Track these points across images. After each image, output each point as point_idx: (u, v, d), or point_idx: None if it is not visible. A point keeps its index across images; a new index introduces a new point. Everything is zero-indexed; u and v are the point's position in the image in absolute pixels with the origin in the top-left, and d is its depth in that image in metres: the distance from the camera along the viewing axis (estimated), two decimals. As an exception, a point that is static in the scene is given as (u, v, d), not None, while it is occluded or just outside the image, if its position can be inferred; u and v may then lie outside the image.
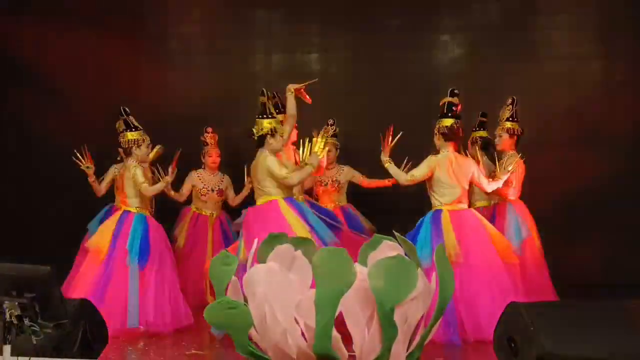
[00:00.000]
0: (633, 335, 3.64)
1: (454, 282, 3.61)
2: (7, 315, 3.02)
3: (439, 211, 5.80)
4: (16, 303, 3.05)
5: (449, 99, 5.94)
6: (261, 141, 5.73)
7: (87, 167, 6.70)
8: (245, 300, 3.59)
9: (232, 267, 3.64)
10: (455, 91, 5.99)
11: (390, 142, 5.85)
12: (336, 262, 3.41)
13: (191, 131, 7.32)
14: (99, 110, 7.51)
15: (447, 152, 5.85)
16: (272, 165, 5.60)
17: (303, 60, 8.03)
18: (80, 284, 5.82)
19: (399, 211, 6.85)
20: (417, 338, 3.60)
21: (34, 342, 3.07)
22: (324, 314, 3.36)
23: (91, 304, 4.03)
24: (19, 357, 3.27)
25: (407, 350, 3.55)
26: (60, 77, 7.96)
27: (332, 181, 6.96)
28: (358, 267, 3.53)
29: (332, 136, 6.92)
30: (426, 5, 7.94)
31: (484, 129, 6.89)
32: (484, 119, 6.95)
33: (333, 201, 6.95)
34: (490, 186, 6.01)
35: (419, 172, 5.83)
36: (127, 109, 6.29)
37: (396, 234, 3.96)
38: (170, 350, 5.25)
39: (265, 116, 5.78)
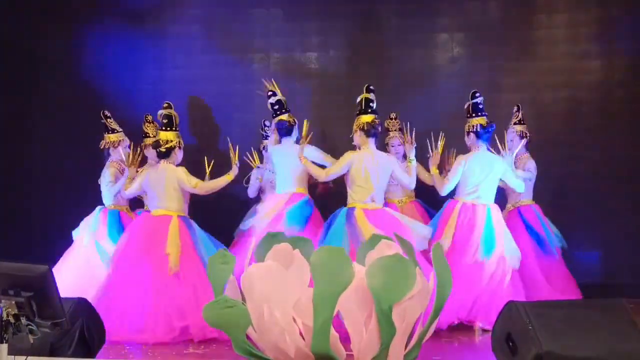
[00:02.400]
0: (631, 335, 3.63)
1: (452, 281, 3.61)
2: (4, 314, 3.02)
3: (352, 209, 5.74)
4: (13, 302, 3.04)
5: (366, 95, 5.89)
6: (168, 153, 5.86)
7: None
8: (244, 299, 3.58)
9: (230, 266, 3.64)
10: (371, 87, 5.94)
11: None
12: (334, 261, 3.41)
13: (190, 129, 7.32)
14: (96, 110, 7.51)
15: (367, 148, 5.79)
16: (181, 176, 5.78)
17: (302, 60, 8.02)
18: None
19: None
20: (415, 337, 3.60)
21: (31, 342, 3.06)
22: (322, 313, 3.36)
23: (88, 303, 4.02)
24: (16, 357, 3.27)
25: (405, 349, 3.55)
26: (59, 76, 7.96)
27: None
28: (356, 266, 3.52)
29: (397, 130, 6.83)
30: (425, 4, 7.93)
31: (522, 123, 6.80)
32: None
33: (406, 195, 6.79)
34: (411, 183, 5.91)
35: (334, 168, 5.83)
36: (107, 113, 6.64)
37: (395, 233, 3.96)
38: (169, 349, 5.24)
39: (171, 129, 5.94)
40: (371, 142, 5.84)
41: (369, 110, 5.88)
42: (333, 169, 5.86)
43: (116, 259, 5.77)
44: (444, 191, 6.01)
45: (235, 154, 6.02)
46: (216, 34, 8.02)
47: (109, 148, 6.62)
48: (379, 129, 5.91)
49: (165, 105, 6.17)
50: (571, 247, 7.01)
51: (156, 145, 6.01)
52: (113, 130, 6.63)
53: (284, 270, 3.55)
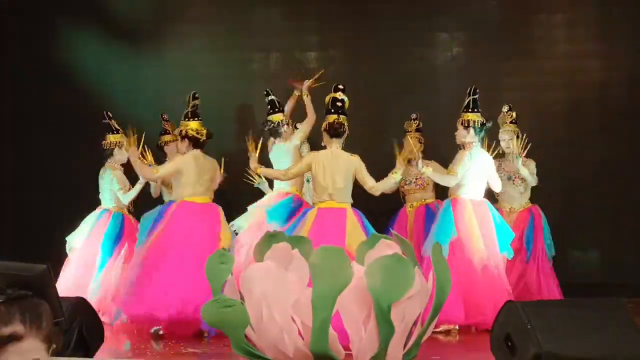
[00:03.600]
0: (631, 334, 3.63)
1: (451, 280, 3.61)
2: (2, 314, 3.01)
3: (311, 208, 5.74)
4: (11, 301, 3.03)
5: (333, 94, 5.83)
6: (204, 142, 6.00)
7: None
8: (242, 298, 3.58)
9: (228, 266, 3.63)
10: (340, 86, 5.85)
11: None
12: (333, 261, 3.40)
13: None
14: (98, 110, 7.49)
15: (330, 149, 5.69)
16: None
17: (301, 59, 8.02)
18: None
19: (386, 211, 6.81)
20: (414, 336, 3.60)
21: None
22: (321, 312, 3.36)
23: (87, 302, 4.02)
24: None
25: (404, 349, 3.55)
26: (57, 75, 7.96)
27: (416, 179, 6.77)
28: (355, 265, 3.52)
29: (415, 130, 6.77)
30: (425, 4, 7.94)
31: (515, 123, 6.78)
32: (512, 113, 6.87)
33: (421, 199, 6.74)
34: (376, 187, 5.65)
35: (294, 169, 5.85)
36: (109, 113, 6.59)
37: (393, 232, 3.95)
38: (168, 348, 5.23)
39: (199, 118, 6.05)
40: (335, 142, 5.71)
41: (332, 110, 5.74)
42: (292, 170, 5.89)
43: (156, 245, 5.71)
44: (452, 183, 5.95)
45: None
46: (216, 33, 8.02)
47: (113, 148, 6.56)
48: (342, 129, 5.70)
49: (195, 94, 6.14)
50: (570, 247, 7.01)
51: (193, 134, 5.99)
52: (118, 131, 6.58)
53: (282, 270, 3.55)
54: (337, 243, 5.17)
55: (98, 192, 6.65)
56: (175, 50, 8.02)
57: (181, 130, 6.04)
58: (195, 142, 5.99)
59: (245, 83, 7.96)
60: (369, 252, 3.72)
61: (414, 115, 6.81)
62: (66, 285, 6.02)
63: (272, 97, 6.58)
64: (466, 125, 6.02)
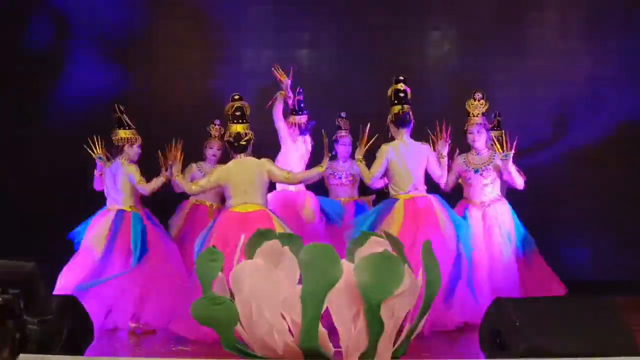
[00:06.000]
0: (618, 331, 3.65)
1: (441, 277, 3.62)
2: (-9, 311, 3.01)
3: (393, 200, 5.79)
4: (0, 299, 3.03)
5: (395, 86, 5.90)
6: (246, 146, 5.70)
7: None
8: (232, 296, 3.58)
9: (218, 263, 3.64)
10: (400, 77, 5.94)
11: (366, 141, 5.84)
12: (323, 258, 3.42)
13: (178, 126, 7.28)
14: (91, 108, 7.49)
15: (401, 139, 5.83)
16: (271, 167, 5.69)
17: (292, 56, 8.00)
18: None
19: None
20: (404, 333, 3.61)
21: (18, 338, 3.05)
22: (310, 309, 3.37)
23: (76, 300, 4.01)
24: (4, 354, 3.25)
25: (394, 346, 3.56)
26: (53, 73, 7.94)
27: (347, 175, 6.89)
28: (345, 263, 3.53)
29: (347, 130, 6.86)
30: (417, 1, 7.94)
31: (499, 129, 6.77)
32: (499, 119, 6.89)
33: (348, 195, 6.87)
34: (442, 177, 5.92)
35: (375, 168, 5.79)
36: (121, 107, 6.19)
37: (384, 230, 3.96)
38: (159, 346, 5.24)
39: (245, 121, 5.77)
40: (404, 132, 5.85)
41: (396, 101, 5.88)
42: (374, 169, 5.82)
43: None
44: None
45: (325, 146, 5.73)
46: (205, 31, 8.00)
47: (123, 145, 6.11)
48: (409, 118, 5.85)
49: (237, 97, 5.84)
50: (559, 245, 7.03)
51: (237, 138, 5.68)
52: (129, 126, 6.15)
53: (272, 268, 3.56)
54: (433, 232, 5.49)
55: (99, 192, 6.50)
56: (166, 47, 7.99)
57: (223, 134, 5.81)
58: (234, 148, 5.70)
59: (235, 81, 7.95)
60: (359, 249, 3.73)
61: (343, 114, 6.85)
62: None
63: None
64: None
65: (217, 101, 7.83)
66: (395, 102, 5.87)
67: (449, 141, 6.00)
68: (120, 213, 6.03)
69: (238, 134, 5.67)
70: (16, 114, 7.87)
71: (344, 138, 6.83)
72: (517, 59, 7.79)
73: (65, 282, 5.77)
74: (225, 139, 5.78)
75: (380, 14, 7.93)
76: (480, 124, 6.17)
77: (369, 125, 5.84)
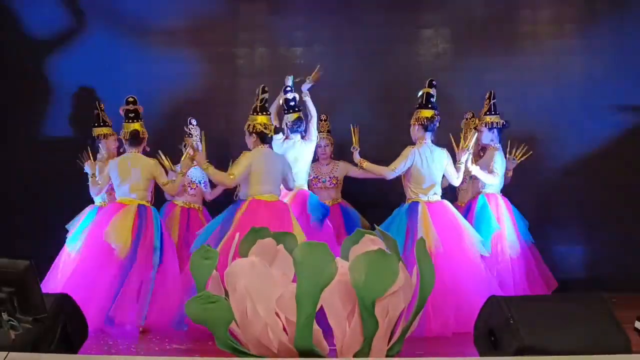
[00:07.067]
0: (611, 328, 3.66)
1: (435, 276, 3.62)
2: (-15, 310, 3.00)
3: (415, 203, 5.84)
4: (-6, 297, 3.02)
5: (427, 89, 5.96)
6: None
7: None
8: (227, 294, 3.58)
9: (212, 262, 3.64)
10: (434, 82, 6.03)
11: (356, 141, 5.97)
12: (317, 256, 3.42)
13: (174, 124, 7.28)
14: (85, 103, 7.48)
15: (425, 142, 5.89)
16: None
17: (287, 54, 8.01)
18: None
19: (390, 204, 6.81)
20: (398, 332, 3.62)
21: (12, 337, 3.05)
22: (305, 308, 3.37)
23: (71, 298, 4.00)
24: (-3, 352, 3.25)
25: (388, 344, 3.56)
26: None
27: (330, 177, 6.88)
28: (339, 261, 3.53)
29: (326, 132, 6.96)
30: (410, 0, 7.95)
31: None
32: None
33: (332, 198, 6.87)
34: (459, 179, 6.03)
35: (399, 164, 5.85)
36: (101, 104, 6.46)
37: (377, 228, 3.97)
38: (152, 344, 5.23)
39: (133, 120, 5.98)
40: (428, 135, 5.90)
41: (429, 105, 5.93)
42: (397, 166, 5.88)
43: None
44: (496, 181, 6.38)
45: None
46: (200, 28, 7.99)
47: (100, 140, 6.47)
48: (437, 123, 5.94)
49: (131, 99, 6.06)
50: (555, 243, 7.04)
51: (261, 129, 5.76)
52: (105, 123, 6.50)
53: (267, 266, 3.56)
54: (456, 234, 5.69)
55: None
56: (159, 45, 7.97)
57: (249, 125, 5.82)
58: (262, 137, 5.77)
59: (229, 78, 7.95)
60: (353, 247, 3.73)
61: (323, 117, 6.94)
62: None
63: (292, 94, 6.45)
64: (490, 127, 6.43)
65: (211, 98, 7.87)
66: (429, 106, 5.93)
67: (471, 151, 6.09)
68: (142, 208, 5.95)
69: (266, 124, 5.80)
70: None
71: (323, 140, 6.84)
72: (512, 58, 7.80)
73: (82, 270, 5.70)
74: (252, 130, 5.78)
75: (375, 13, 7.94)
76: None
77: (358, 126, 5.95)
